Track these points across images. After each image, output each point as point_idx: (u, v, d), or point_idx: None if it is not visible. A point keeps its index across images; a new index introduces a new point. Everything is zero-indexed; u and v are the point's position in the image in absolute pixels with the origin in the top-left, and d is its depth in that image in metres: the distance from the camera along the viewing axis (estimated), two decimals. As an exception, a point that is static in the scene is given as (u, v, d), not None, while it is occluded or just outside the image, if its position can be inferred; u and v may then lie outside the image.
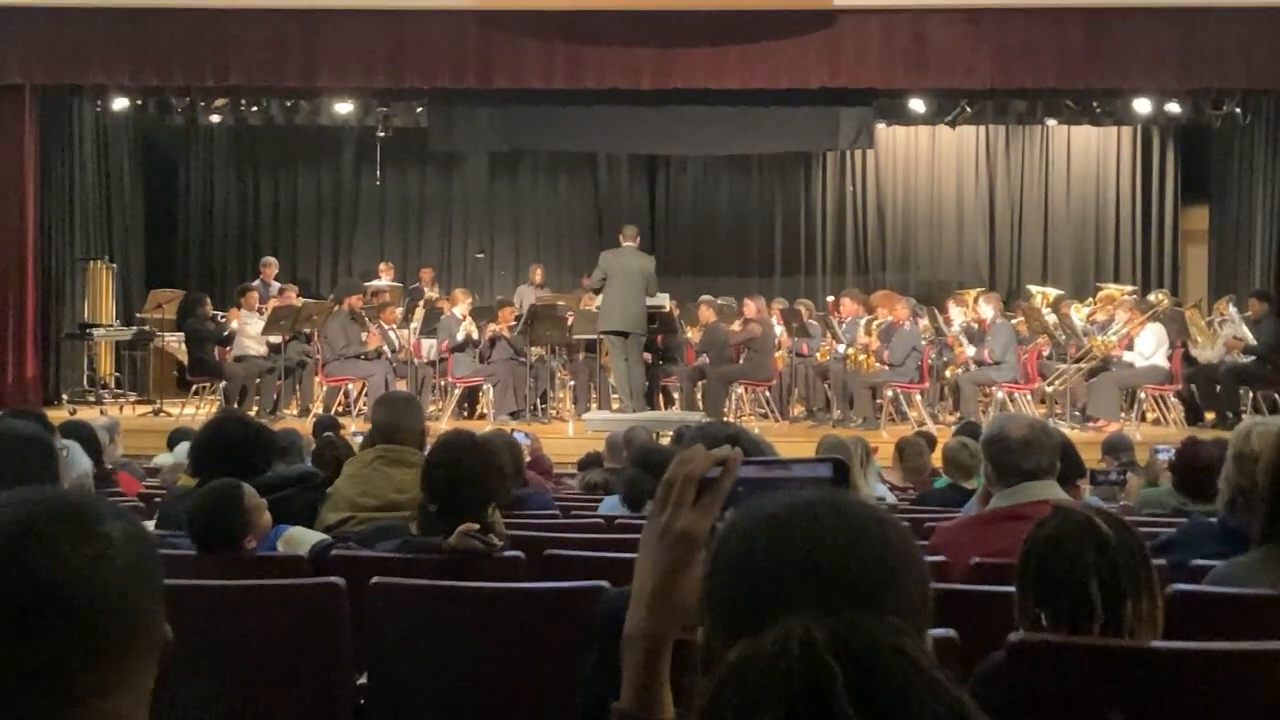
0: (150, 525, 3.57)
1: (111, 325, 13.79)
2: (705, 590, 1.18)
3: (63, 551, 1.21)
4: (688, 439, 2.48)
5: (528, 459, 7.72)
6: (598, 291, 12.02)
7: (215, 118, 15.08)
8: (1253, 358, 11.73)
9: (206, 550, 3.62)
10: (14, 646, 1.19)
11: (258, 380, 12.32)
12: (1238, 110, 13.72)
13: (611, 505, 5.39)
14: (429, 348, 12.81)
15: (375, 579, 3.24)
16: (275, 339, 12.40)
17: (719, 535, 1.20)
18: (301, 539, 3.82)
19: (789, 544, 1.12)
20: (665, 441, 7.22)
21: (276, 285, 14.04)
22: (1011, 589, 2.48)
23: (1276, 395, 11.66)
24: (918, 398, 11.97)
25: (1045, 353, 12.47)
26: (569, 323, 12.52)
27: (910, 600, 1.12)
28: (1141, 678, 2.30)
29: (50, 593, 1.19)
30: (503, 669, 3.22)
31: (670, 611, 1.28)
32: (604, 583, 3.05)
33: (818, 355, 12.80)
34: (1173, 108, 14.00)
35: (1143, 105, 13.85)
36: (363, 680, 3.31)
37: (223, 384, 12.17)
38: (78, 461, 4.55)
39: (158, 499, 5.12)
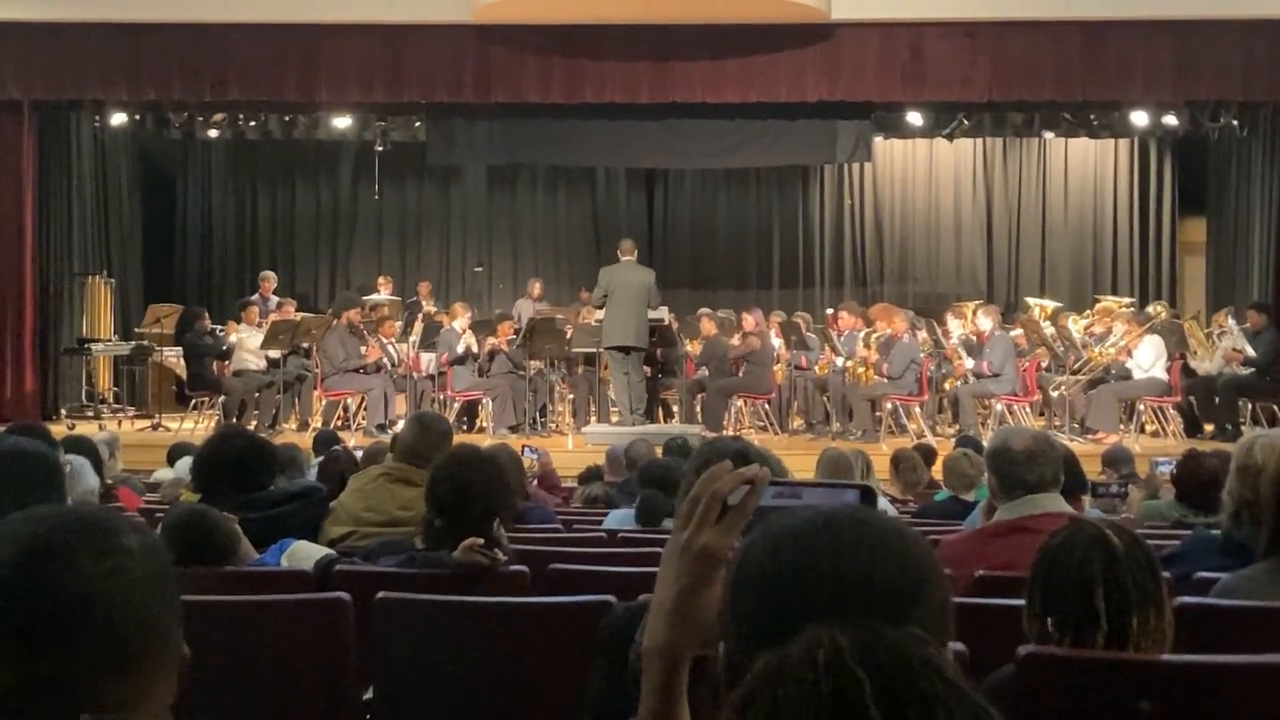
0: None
1: (110, 340, 13.79)
2: (728, 605, 1.17)
3: (83, 564, 1.23)
4: (696, 454, 2.48)
5: (537, 474, 7.75)
6: (600, 307, 12.03)
7: (213, 132, 15.08)
8: (1251, 369, 11.73)
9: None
10: (37, 658, 1.20)
11: (256, 394, 12.32)
12: (1235, 122, 13.73)
13: (617, 519, 5.39)
14: (428, 361, 12.81)
15: (381, 594, 3.24)
16: (274, 353, 12.40)
17: (742, 549, 1.20)
18: (305, 553, 3.81)
19: (813, 556, 1.13)
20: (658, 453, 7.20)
21: (275, 299, 14.03)
22: (1018, 602, 2.49)
23: (1275, 407, 11.66)
24: (917, 410, 11.97)
25: (1044, 365, 12.48)
26: (568, 336, 12.52)
27: (933, 612, 1.13)
28: (1151, 691, 2.30)
29: (72, 604, 1.22)
30: (509, 683, 3.22)
31: (690, 627, 1.28)
32: (610, 597, 3.05)
33: (816, 368, 12.80)
34: (1170, 120, 14.03)
35: (1140, 118, 13.89)
36: (368, 695, 3.31)
37: (221, 398, 12.16)
38: (85, 477, 4.54)
39: (159, 514, 5.11)
